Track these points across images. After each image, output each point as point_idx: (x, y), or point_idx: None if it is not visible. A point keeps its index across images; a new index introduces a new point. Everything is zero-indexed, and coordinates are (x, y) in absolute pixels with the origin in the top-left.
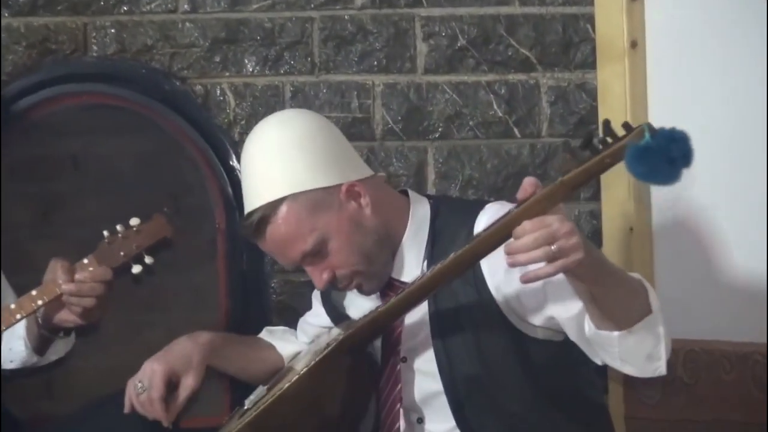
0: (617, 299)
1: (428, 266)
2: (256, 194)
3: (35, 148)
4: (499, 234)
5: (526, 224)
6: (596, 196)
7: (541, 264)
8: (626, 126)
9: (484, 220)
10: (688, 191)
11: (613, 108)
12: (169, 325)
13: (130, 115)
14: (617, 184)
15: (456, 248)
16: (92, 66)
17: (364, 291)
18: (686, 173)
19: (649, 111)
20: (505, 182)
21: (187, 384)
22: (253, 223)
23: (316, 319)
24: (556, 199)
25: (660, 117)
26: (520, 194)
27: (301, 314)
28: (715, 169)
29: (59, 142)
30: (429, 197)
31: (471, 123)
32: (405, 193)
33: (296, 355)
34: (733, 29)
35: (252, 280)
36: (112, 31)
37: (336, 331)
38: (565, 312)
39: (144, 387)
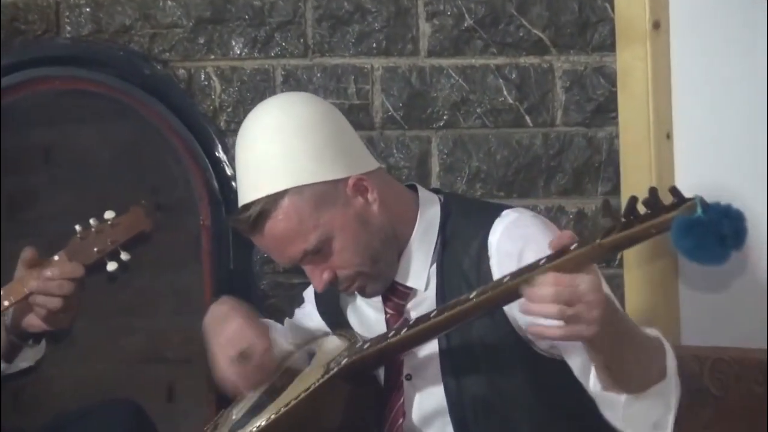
0: (631, 365)
1: (437, 272)
2: (253, 186)
3: (3, 139)
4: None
5: (552, 276)
6: (616, 190)
7: (553, 322)
8: (674, 192)
9: (499, 230)
10: (715, 181)
11: (634, 94)
12: (148, 331)
13: (107, 101)
14: (637, 170)
15: (468, 258)
16: (65, 48)
17: (366, 293)
18: (735, 256)
19: (672, 97)
20: (515, 175)
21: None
22: (250, 217)
23: (308, 319)
24: (591, 260)
25: (684, 104)
26: (554, 245)
27: (291, 316)
28: (744, 160)
29: (29, 132)
30: (438, 193)
31: (478, 110)
32: (412, 188)
33: (290, 354)
34: (761, 8)
35: (240, 281)
36: (87, 9)
37: (333, 343)
38: (571, 354)
39: (247, 349)
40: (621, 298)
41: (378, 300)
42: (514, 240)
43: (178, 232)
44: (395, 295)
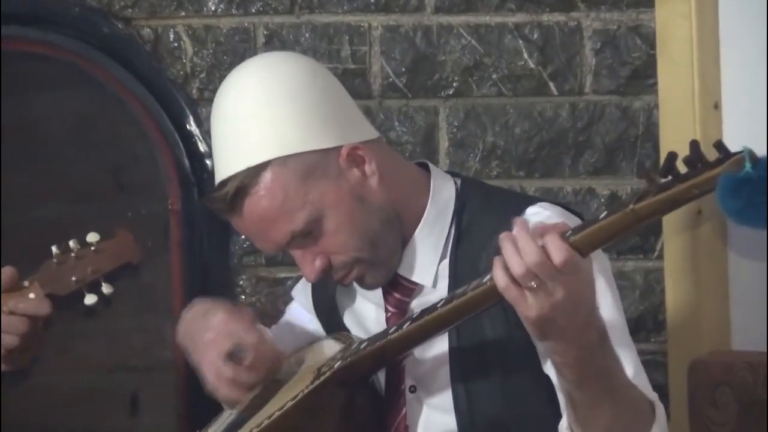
0: (602, 414)
1: (449, 269)
2: (231, 158)
3: None
4: None
5: (539, 229)
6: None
7: (503, 277)
8: (719, 147)
9: None
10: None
11: (676, 57)
12: (107, 335)
13: (60, 66)
14: (679, 145)
15: (487, 256)
16: (11, 4)
17: (365, 284)
18: None
19: (721, 61)
20: (538, 152)
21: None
22: (227, 195)
23: (298, 321)
24: (622, 229)
25: (734, 69)
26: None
27: (277, 320)
28: None
29: None
30: (453, 176)
31: (494, 76)
32: (423, 167)
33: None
34: None
35: (215, 277)
36: None
37: (326, 347)
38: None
39: (236, 348)
40: (660, 297)
41: (378, 295)
42: None
43: (142, 219)
44: (398, 290)
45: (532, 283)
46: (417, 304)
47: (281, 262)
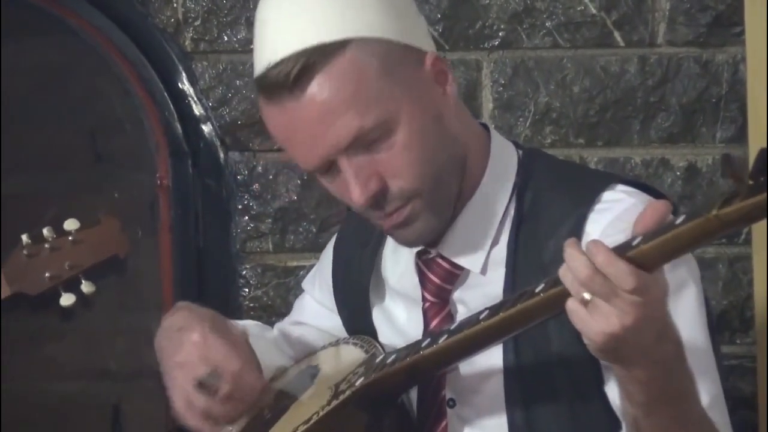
0: None
1: (509, 259)
2: (295, 34)
3: None
4: None
5: (600, 252)
6: (741, 136)
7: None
8: None
9: (605, 219)
10: None
11: None
12: (84, 337)
13: (29, 11)
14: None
15: (554, 244)
16: None
17: (413, 231)
18: None
19: None
20: (600, 114)
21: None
22: (291, 72)
23: (310, 318)
24: (702, 238)
25: None
26: (649, 215)
27: (285, 315)
28: None
29: None
30: (517, 147)
31: (548, 24)
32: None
33: (283, 372)
34: None
35: (213, 266)
36: None
37: (344, 355)
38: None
39: (210, 376)
40: (747, 290)
41: (415, 284)
42: (628, 238)
43: (125, 195)
44: (438, 274)
45: (603, 306)
46: (460, 296)
47: (291, 249)
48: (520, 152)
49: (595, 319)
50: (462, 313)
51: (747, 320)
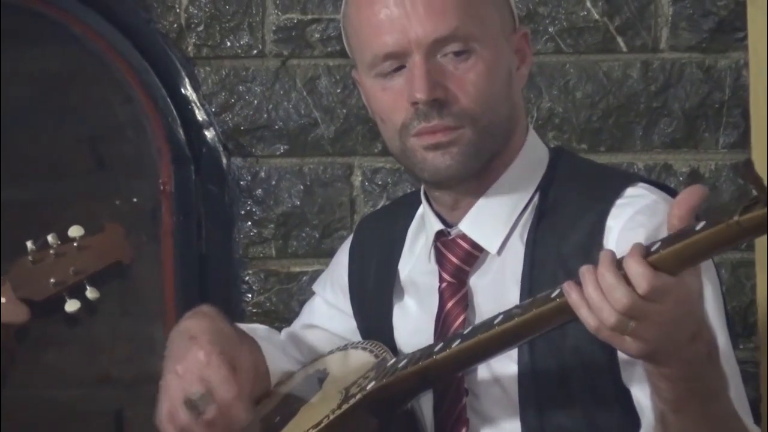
0: None
1: (527, 250)
2: None
3: None
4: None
5: (635, 265)
6: (743, 141)
7: (593, 319)
8: None
9: (626, 214)
10: None
11: None
12: (87, 343)
13: (29, 17)
14: None
15: (575, 237)
16: None
17: (452, 154)
18: None
19: None
20: (603, 120)
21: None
22: None
23: (320, 321)
24: (722, 245)
25: None
26: (677, 214)
27: (289, 323)
28: None
29: None
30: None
31: (551, 30)
32: None
33: (289, 377)
34: None
35: (215, 271)
36: None
37: (353, 360)
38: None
39: (201, 397)
40: (750, 295)
41: (434, 269)
42: (648, 232)
43: (128, 202)
44: (457, 254)
45: (631, 324)
46: (476, 282)
47: (294, 254)
48: (550, 152)
49: (634, 339)
50: (477, 299)
51: (750, 325)
